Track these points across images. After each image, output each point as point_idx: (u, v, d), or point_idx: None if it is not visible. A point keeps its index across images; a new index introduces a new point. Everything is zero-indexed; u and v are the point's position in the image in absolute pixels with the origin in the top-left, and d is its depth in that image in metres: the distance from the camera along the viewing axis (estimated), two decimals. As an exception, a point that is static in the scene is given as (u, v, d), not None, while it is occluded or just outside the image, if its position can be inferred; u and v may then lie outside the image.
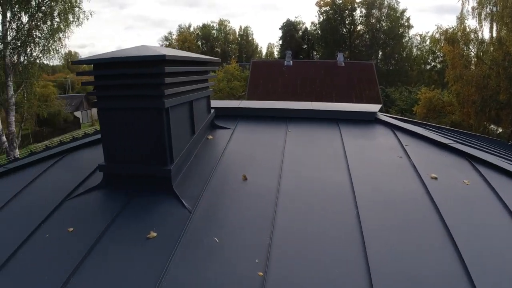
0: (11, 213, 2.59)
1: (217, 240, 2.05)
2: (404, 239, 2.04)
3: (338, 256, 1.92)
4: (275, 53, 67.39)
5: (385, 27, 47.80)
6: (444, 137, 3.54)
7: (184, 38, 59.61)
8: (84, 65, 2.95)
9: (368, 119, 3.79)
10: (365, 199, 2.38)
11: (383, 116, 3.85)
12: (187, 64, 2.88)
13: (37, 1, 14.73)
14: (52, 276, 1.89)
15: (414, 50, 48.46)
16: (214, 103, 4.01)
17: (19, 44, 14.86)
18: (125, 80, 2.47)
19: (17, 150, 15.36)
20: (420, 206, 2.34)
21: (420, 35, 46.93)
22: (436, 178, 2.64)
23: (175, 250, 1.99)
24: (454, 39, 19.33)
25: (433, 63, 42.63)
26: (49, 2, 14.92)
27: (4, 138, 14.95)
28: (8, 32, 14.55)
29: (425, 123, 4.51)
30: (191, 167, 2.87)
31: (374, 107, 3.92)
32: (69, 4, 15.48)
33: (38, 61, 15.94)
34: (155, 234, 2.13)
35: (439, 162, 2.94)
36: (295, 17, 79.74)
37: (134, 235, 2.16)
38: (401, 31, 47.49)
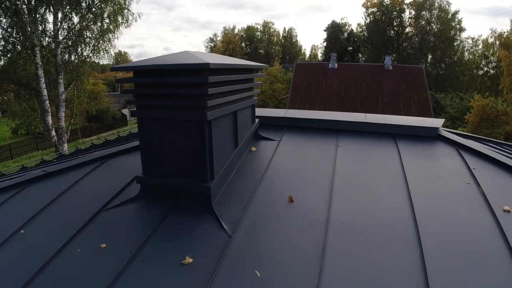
0: (46, 221, 2.51)
1: (258, 274, 1.82)
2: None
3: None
4: (319, 55, 66.80)
5: (436, 30, 45.79)
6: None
7: (229, 40, 60.36)
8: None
9: (430, 135, 3.41)
10: (430, 235, 2.04)
11: (445, 132, 3.45)
12: (232, 72, 2.65)
13: (87, 3, 15.27)
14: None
15: (466, 54, 45.97)
16: (259, 112, 3.78)
17: (70, 44, 15.48)
18: (165, 89, 2.29)
19: (65, 144, 16.01)
20: (492, 246, 1.97)
21: (472, 39, 44.44)
22: (509, 211, 2.26)
23: (211, 283, 1.77)
24: (510, 44, 18.09)
25: (485, 69, 40.14)
26: (99, 3, 15.43)
27: (53, 133, 15.60)
28: (60, 32, 15.19)
29: (487, 139, 4.04)
30: (233, 184, 2.65)
31: (437, 122, 3.53)
32: (118, 6, 15.95)
33: (88, 60, 16.55)
34: (190, 260, 1.94)
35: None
36: (341, 19, 78.46)
37: (168, 259, 1.98)
38: (452, 34, 45.28)
